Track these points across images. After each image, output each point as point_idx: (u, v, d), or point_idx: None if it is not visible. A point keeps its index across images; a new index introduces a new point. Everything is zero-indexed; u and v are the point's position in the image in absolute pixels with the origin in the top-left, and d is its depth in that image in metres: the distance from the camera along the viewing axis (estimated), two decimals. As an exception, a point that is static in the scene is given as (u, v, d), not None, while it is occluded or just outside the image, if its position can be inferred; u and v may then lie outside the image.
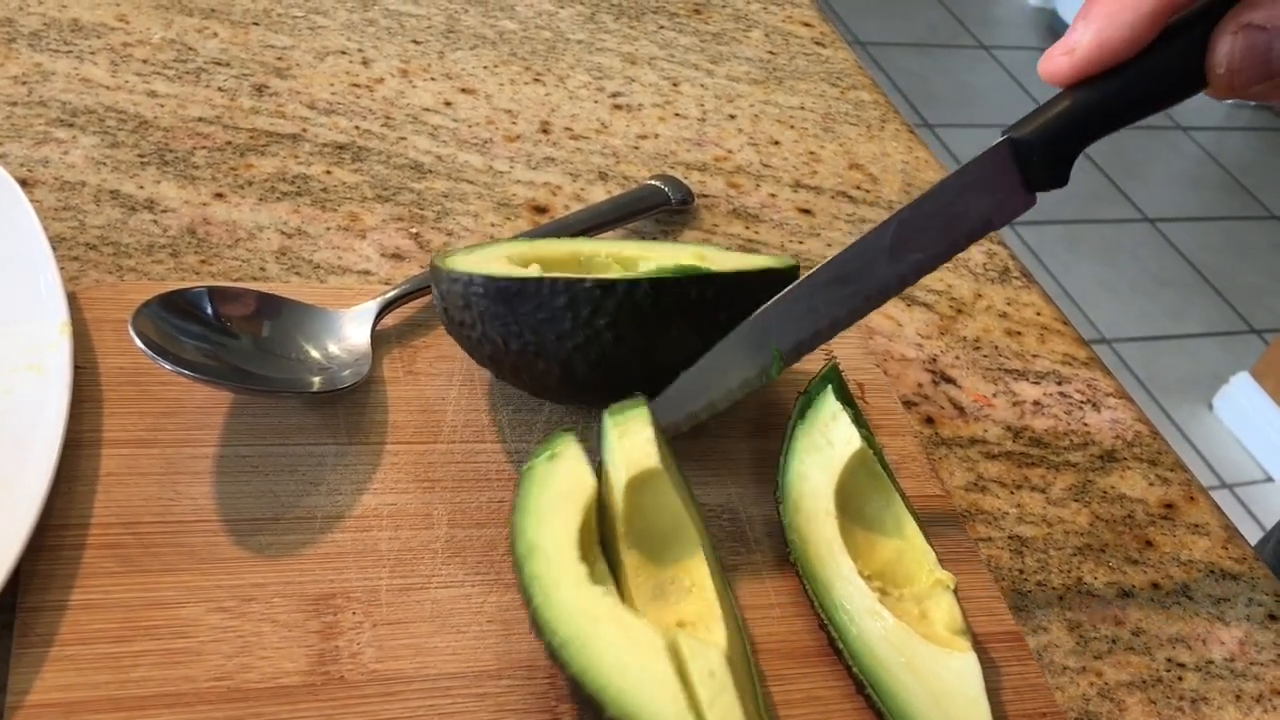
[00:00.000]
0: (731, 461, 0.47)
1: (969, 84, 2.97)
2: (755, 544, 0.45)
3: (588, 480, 0.39)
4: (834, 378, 0.46)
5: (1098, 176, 2.78)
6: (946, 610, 0.40)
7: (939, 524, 0.47)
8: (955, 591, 0.41)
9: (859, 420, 0.46)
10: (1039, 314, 0.62)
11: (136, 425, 0.42)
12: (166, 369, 0.39)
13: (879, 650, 0.39)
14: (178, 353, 0.39)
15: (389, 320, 0.49)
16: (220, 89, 0.61)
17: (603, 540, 0.41)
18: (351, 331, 0.47)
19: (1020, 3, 3.26)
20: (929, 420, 0.55)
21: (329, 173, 0.58)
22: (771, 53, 0.77)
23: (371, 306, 0.48)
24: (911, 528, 0.43)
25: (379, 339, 0.48)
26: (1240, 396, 2.10)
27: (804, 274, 0.43)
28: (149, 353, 0.38)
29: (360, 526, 0.41)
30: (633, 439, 0.40)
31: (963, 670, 0.37)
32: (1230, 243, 2.66)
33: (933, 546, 0.42)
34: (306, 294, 0.48)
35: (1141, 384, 2.20)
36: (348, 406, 0.45)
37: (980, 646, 0.43)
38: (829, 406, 0.45)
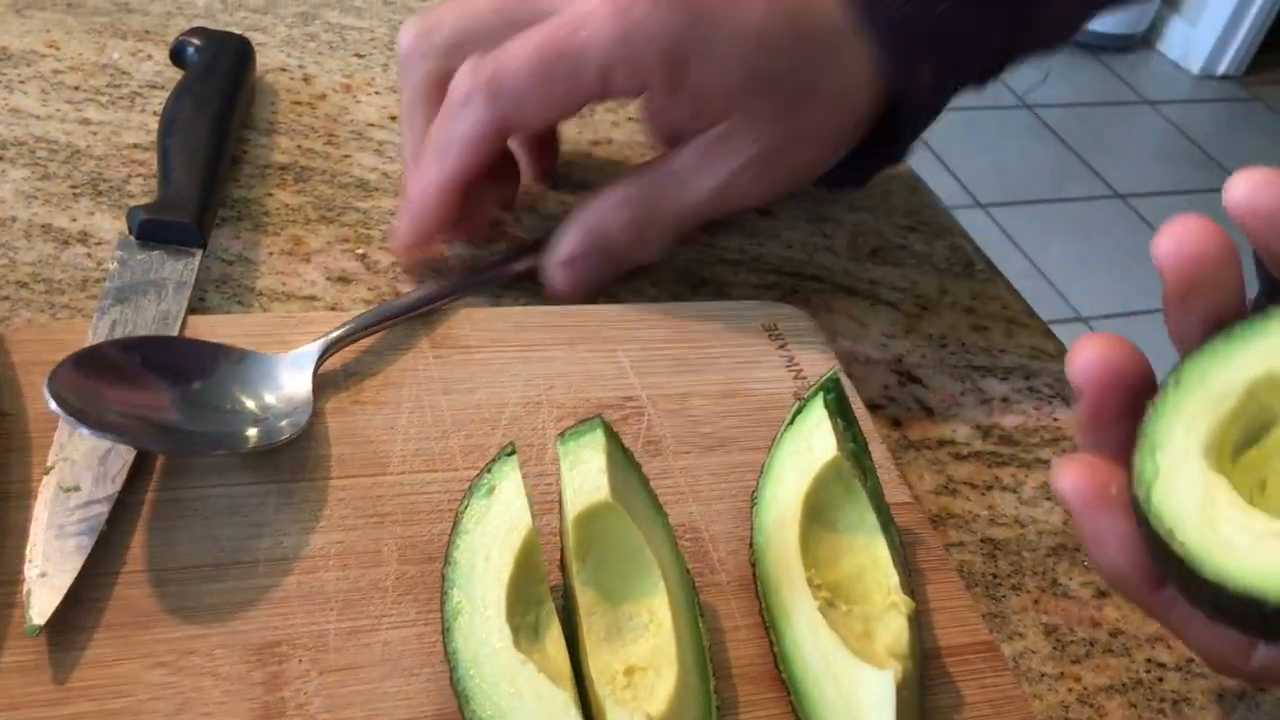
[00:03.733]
0: (691, 479, 0.46)
1: (936, 67, 2.96)
2: (719, 564, 0.43)
3: (523, 520, 0.37)
4: (830, 387, 0.45)
5: (1066, 154, 2.78)
6: (894, 634, 0.39)
7: (908, 533, 0.46)
8: (912, 618, 0.40)
9: (850, 432, 0.45)
10: (1005, 307, 0.61)
11: (69, 473, 0.40)
12: (85, 434, 0.37)
13: (807, 656, 0.38)
14: (99, 415, 0.38)
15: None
16: (155, 113, 0.59)
17: (564, 570, 0.40)
18: (289, 379, 0.45)
19: (983, -16, 3.26)
20: (896, 423, 0.53)
21: (270, 195, 0.57)
22: (725, 50, 0.76)
23: (313, 350, 0.46)
24: (881, 547, 0.41)
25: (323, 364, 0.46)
26: (1218, 369, 2.10)
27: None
28: (66, 417, 0.36)
29: (306, 568, 0.40)
30: (583, 469, 0.39)
31: (875, 684, 0.36)
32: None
33: (903, 570, 0.41)
34: (249, 326, 0.47)
35: (1120, 361, 2.19)
36: (289, 441, 0.44)
37: (947, 663, 0.42)
38: (816, 413, 0.44)
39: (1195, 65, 3.14)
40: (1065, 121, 2.89)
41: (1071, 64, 3.12)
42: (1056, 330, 0.61)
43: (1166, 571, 0.28)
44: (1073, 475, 0.32)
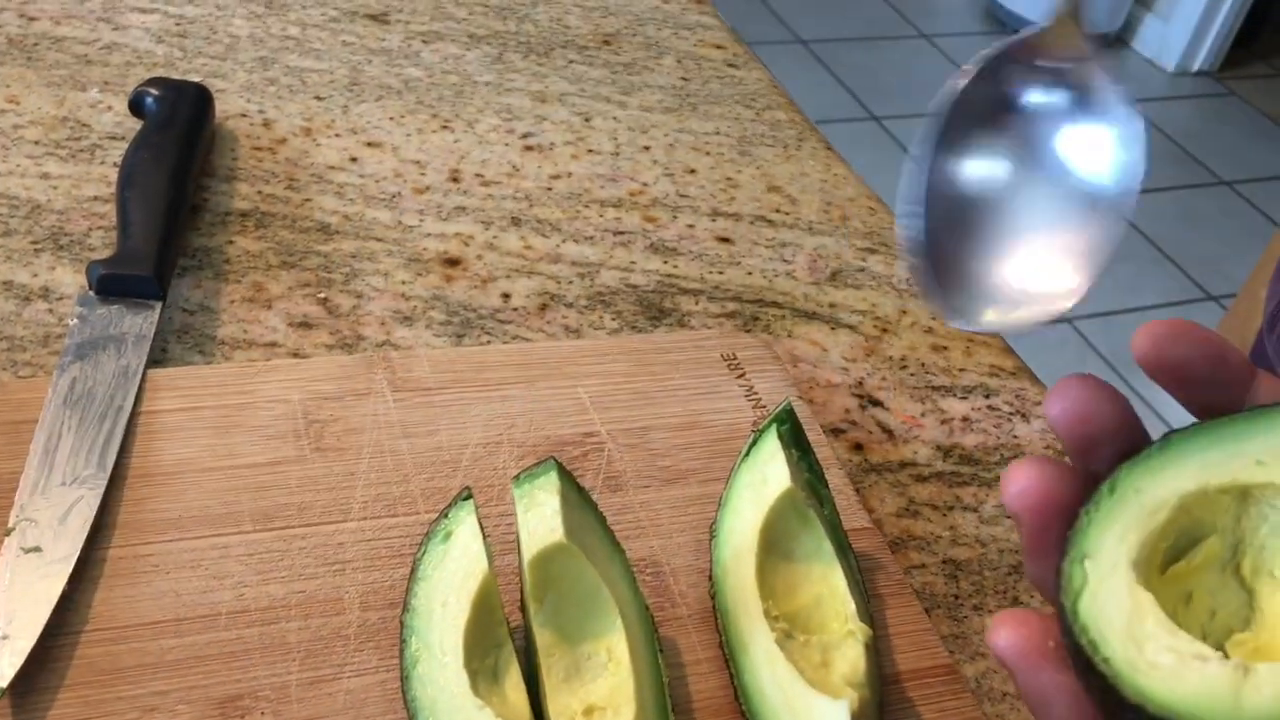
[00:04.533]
0: (652, 512, 0.47)
1: (913, 74, 2.98)
2: (680, 597, 0.44)
3: (480, 565, 0.38)
4: (784, 418, 0.45)
5: (1046, 156, 2.79)
6: (850, 663, 0.40)
7: (866, 559, 0.46)
8: (869, 645, 0.40)
9: (805, 462, 0.45)
10: (965, 326, 0.62)
11: (30, 533, 0.41)
12: None
13: (765, 688, 0.39)
14: None
15: (294, 395, 0.48)
16: (116, 164, 0.60)
17: (524, 612, 0.40)
18: None
19: (956, -11, 3.28)
20: (858, 447, 0.54)
21: (231, 242, 0.57)
22: (684, 79, 0.77)
23: None
24: (838, 576, 0.42)
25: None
26: (1201, 366, 2.11)
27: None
28: None
29: (267, 619, 0.40)
30: (538, 511, 0.39)
31: (830, 714, 0.37)
32: (1182, 212, 2.67)
33: (861, 597, 0.42)
34: (208, 377, 0.47)
35: (1105, 360, 2.20)
36: (252, 492, 0.44)
37: (906, 687, 0.42)
38: (770, 445, 0.45)
39: (1170, 62, 3.16)
40: (1043, 123, 2.90)
41: (1047, 65, 3.13)
42: (1040, 331, 0.61)
43: (1087, 684, 0.27)
44: (1008, 632, 0.29)
